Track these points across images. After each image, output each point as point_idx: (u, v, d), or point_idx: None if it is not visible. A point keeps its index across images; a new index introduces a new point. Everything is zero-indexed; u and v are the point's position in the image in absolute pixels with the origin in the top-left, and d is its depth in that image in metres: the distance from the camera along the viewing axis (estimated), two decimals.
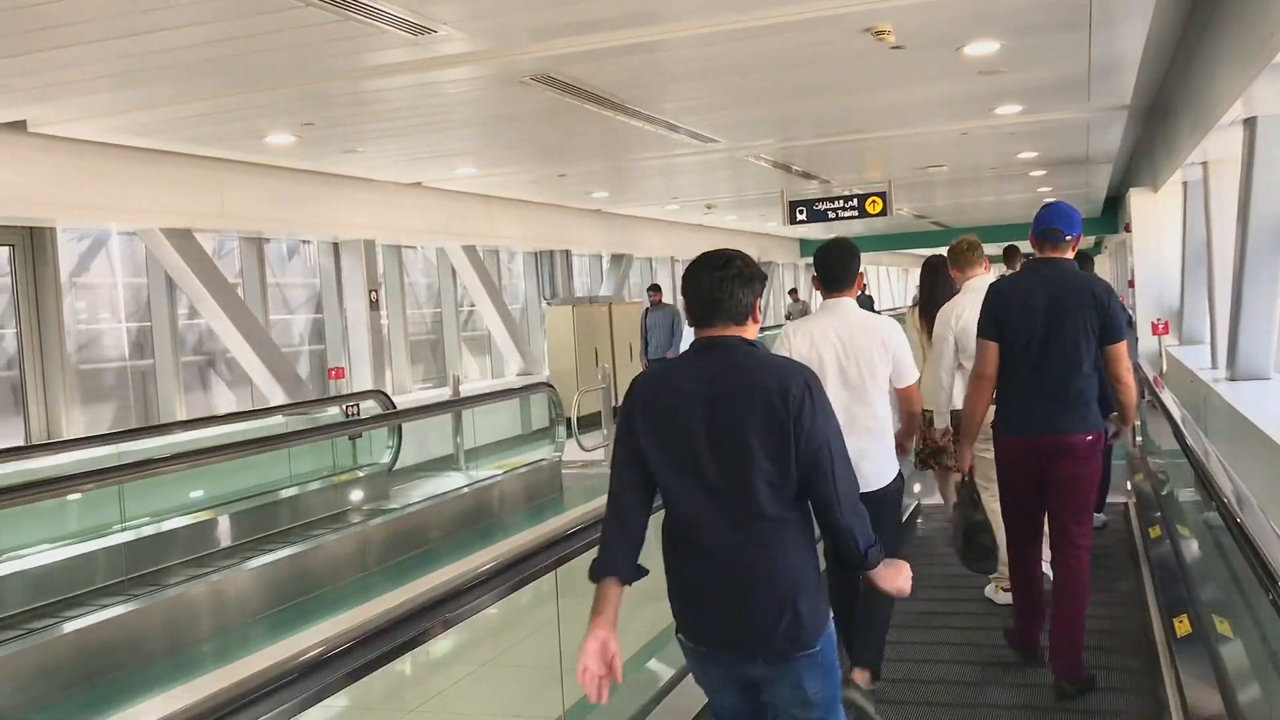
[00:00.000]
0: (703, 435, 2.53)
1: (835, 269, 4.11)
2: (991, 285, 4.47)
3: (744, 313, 2.62)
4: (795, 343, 4.04)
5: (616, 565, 2.61)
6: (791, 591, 2.53)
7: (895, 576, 2.68)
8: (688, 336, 21.00)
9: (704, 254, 2.68)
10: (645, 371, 2.80)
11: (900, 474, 4.14)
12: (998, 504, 4.56)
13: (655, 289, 14.88)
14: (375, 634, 2.65)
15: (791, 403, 2.48)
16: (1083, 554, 4.21)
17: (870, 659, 4.09)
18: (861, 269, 4.24)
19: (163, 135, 8.52)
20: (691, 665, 2.76)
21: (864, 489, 3.74)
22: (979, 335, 4.34)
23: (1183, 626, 3.84)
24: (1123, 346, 4.18)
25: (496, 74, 7.04)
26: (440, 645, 4.88)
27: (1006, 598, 5.29)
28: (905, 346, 4.07)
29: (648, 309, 14.73)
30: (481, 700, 5.12)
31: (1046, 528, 4.41)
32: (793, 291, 24.53)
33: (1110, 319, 4.12)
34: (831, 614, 2.68)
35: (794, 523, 2.56)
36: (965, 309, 5.20)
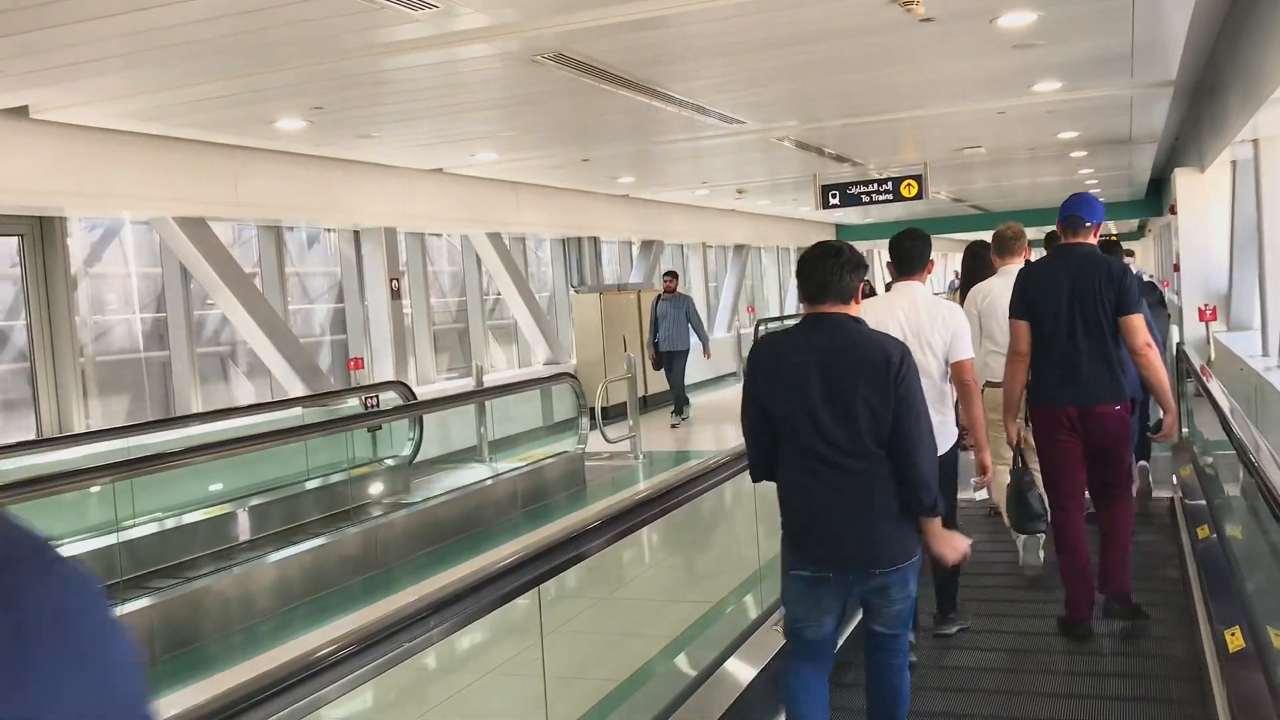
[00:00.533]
0: (818, 392, 3.11)
1: (910, 254, 4.56)
2: (1020, 269, 4.85)
3: (849, 293, 3.21)
4: (866, 319, 4.24)
5: (768, 471, 3.33)
6: (895, 514, 3.13)
7: (950, 540, 3.24)
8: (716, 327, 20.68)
9: (819, 243, 3.27)
10: (763, 339, 3.36)
11: (959, 442, 4.56)
12: (1037, 464, 4.93)
13: (671, 275, 14.35)
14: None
15: (893, 367, 3.09)
16: (1125, 497, 4.65)
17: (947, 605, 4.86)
18: (932, 256, 4.66)
19: (171, 120, 8.32)
20: (799, 594, 3.25)
21: None
22: (1011, 316, 4.67)
23: (1235, 640, 3.54)
24: (1138, 319, 4.43)
25: (507, 52, 6.76)
26: (424, 664, 4.65)
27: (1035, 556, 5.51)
28: (965, 327, 4.46)
29: (660, 297, 14.27)
30: None
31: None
32: None
33: (1123, 293, 4.41)
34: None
35: (887, 463, 3.11)
36: (992, 290, 5.57)
